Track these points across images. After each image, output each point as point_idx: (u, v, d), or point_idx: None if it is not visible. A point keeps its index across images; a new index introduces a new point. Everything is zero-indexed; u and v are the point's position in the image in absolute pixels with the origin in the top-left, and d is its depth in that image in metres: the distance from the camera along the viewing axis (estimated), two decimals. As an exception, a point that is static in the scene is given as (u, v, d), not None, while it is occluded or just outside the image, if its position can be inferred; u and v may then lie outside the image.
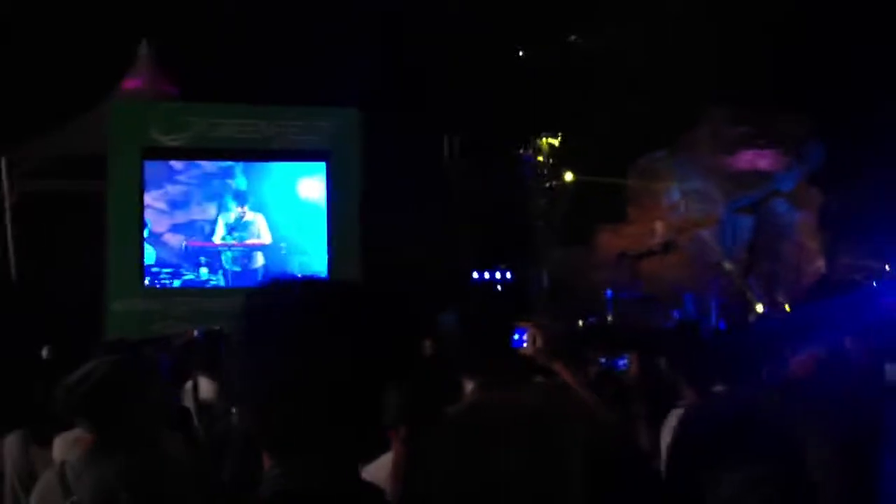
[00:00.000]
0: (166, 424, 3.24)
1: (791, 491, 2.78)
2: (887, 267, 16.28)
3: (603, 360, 5.26)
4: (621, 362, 5.02)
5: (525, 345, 3.03)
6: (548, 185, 17.65)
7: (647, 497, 3.38)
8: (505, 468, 2.37)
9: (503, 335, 2.61)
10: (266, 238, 14.46)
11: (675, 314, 16.27)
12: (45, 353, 6.39)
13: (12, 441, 4.01)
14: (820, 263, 18.97)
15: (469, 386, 2.54)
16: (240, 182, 14.42)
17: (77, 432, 3.38)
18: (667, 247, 19.46)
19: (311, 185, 14.63)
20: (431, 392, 3.01)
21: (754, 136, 18.40)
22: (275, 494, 1.23)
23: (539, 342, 3.03)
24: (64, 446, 3.59)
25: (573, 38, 20.41)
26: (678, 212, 19.37)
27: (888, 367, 3.85)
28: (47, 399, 3.27)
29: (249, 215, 14.39)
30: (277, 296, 1.33)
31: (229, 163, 14.37)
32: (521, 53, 20.37)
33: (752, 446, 2.82)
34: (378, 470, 2.48)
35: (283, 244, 14.50)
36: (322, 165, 14.55)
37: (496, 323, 2.59)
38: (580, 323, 13.47)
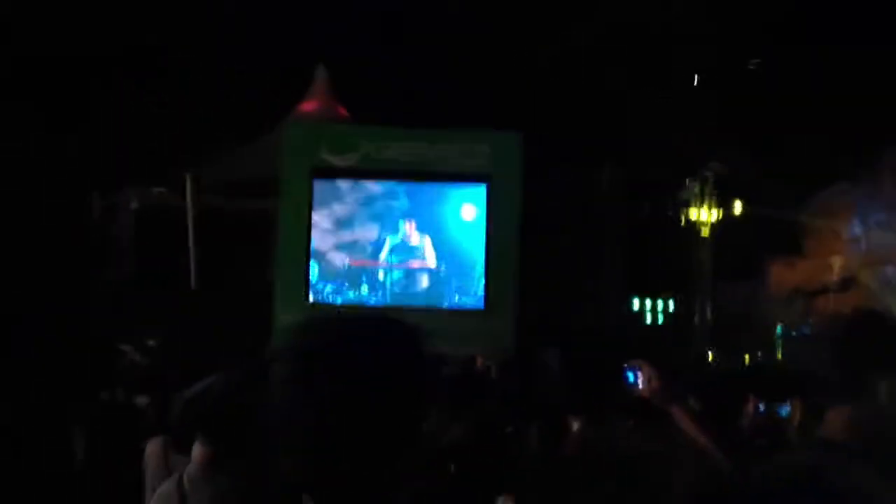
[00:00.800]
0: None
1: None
2: None
3: (762, 405, 4.91)
4: (783, 409, 4.68)
5: (641, 386, 2.92)
6: (716, 215, 17.05)
7: None
8: None
9: (607, 375, 2.55)
10: (431, 261, 14.67)
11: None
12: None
13: (152, 447, 4.17)
14: None
15: (575, 425, 2.51)
16: (402, 203, 14.75)
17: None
18: (845, 283, 18.38)
19: (471, 208, 14.77)
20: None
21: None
22: None
23: (654, 383, 2.91)
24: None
25: (753, 63, 19.73)
26: (859, 246, 18.28)
27: None
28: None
29: (416, 237, 14.67)
30: (318, 335, 1.33)
31: (393, 183, 14.73)
32: (695, 78, 19.87)
33: None
34: None
35: (443, 267, 14.69)
36: (482, 189, 14.66)
37: (601, 363, 2.54)
38: (741, 361, 12.93)
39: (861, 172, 18.04)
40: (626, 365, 2.94)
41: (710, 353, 15.34)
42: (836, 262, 18.45)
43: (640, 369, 3.01)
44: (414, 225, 14.72)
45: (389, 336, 1.32)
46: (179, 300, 14.29)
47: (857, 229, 18.23)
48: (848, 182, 18.33)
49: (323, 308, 14.12)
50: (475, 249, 14.67)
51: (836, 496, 1.32)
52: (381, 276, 14.55)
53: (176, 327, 11.23)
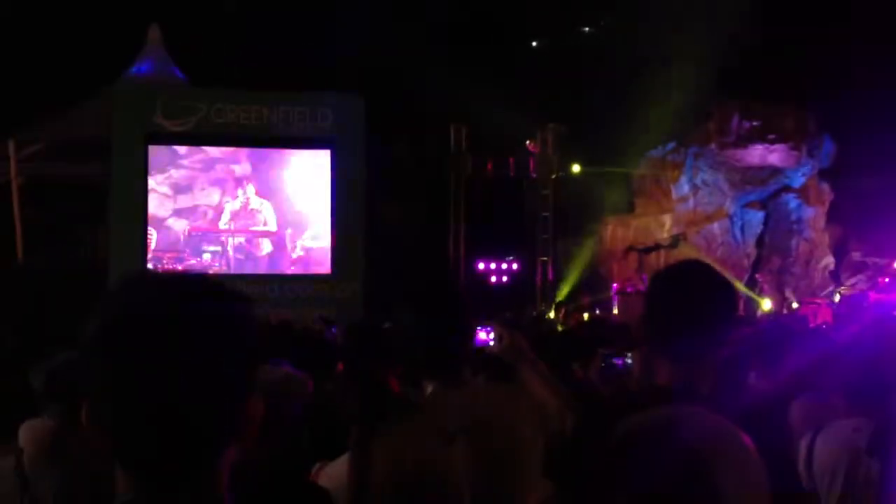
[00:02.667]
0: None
1: None
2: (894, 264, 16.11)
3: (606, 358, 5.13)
4: (619, 361, 4.91)
5: (492, 344, 2.97)
6: (554, 176, 17.53)
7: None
8: (447, 469, 2.32)
9: (460, 335, 2.52)
10: (272, 225, 14.45)
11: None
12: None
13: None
14: (829, 260, 18.83)
15: (428, 388, 2.47)
16: (244, 168, 14.42)
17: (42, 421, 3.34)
18: (675, 240, 19.32)
19: (315, 171, 14.60)
20: (383, 393, 2.96)
21: (765, 130, 18.23)
22: None
23: (506, 341, 2.95)
24: (28, 433, 3.56)
25: (586, 28, 20.29)
26: (687, 205, 19.24)
27: None
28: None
29: (256, 202, 14.38)
30: (130, 300, 1.21)
31: (233, 148, 14.35)
32: (533, 43, 20.28)
33: None
34: (334, 469, 2.45)
35: (288, 231, 14.49)
36: (327, 152, 14.51)
37: (453, 323, 2.50)
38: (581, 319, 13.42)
39: (689, 133, 18.97)
40: (477, 325, 2.98)
41: (552, 311, 15.87)
42: (667, 220, 19.36)
43: (491, 328, 3.07)
44: (255, 189, 14.42)
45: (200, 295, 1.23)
46: (4, 273, 13.47)
47: (686, 188, 19.17)
48: (676, 142, 19.23)
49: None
50: (321, 214, 14.54)
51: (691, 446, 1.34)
52: (222, 242, 14.20)
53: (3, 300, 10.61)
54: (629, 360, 4.42)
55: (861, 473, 2.57)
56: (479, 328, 4.72)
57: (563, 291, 17.90)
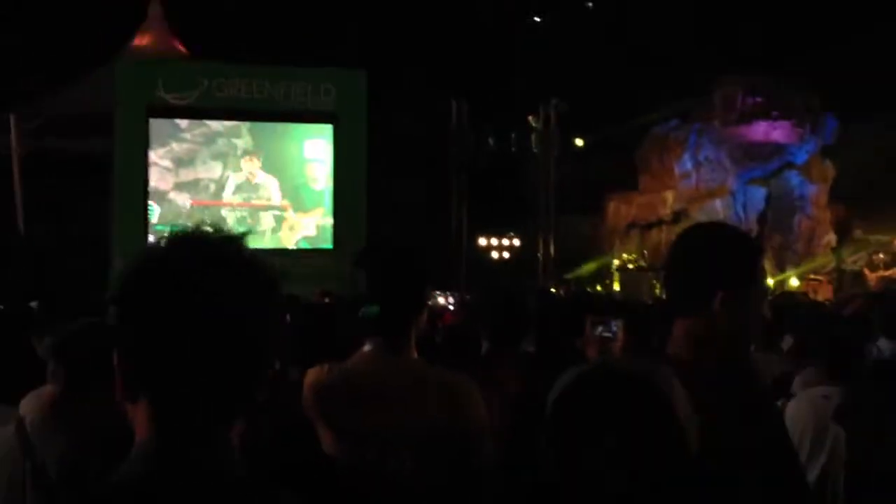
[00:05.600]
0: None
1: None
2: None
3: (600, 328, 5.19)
4: (600, 329, 4.95)
5: (451, 308, 2.96)
6: (556, 152, 17.50)
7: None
8: (365, 433, 2.25)
9: (408, 299, 2.38)
10: (275, 200, 14.45)
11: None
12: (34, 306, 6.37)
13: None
14: (831, 237, 18.82)
15: (367, 346, 2.35)
16: (246, 141, 14.39)
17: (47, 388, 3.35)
18: (677, 217, 19.33)
19: (318, 146, 14.57)
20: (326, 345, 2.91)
21: (768, 107, 18.17)
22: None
23: (461, 310, 2.93)
24: (33, 401, 3.57)
25: (589, 4, 20.16)
26: (690, 181, 19.22)
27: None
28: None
29: (260, 176, 14.36)
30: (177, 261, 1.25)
31: (235, 122, 14.32)
32: (535, 18, 20.15)
33: None
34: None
35: (290, 205, 14.49)
36: (328, 128, 14.47)
37: (401, 285, 2.41)
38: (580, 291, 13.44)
39: (691, 110, 18.92)
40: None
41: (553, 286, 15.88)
42: (669, 196, 19.36)
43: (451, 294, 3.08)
44: (258, 164, 14.40)
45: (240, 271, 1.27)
46: (7, 244, 13.48)
47: (688, 165, 19.15)
48: (679, 119, 19.19)
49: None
50: (323, 188, 14.53)
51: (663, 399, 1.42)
52: (224, 216, 14.19)
53: (4, 272, 10.62)
54: (615, 328, 4.47)
55: (827, 439, 2.60)
56: (437, 293, 4.78)
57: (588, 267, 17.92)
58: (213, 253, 1.26)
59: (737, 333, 1.82)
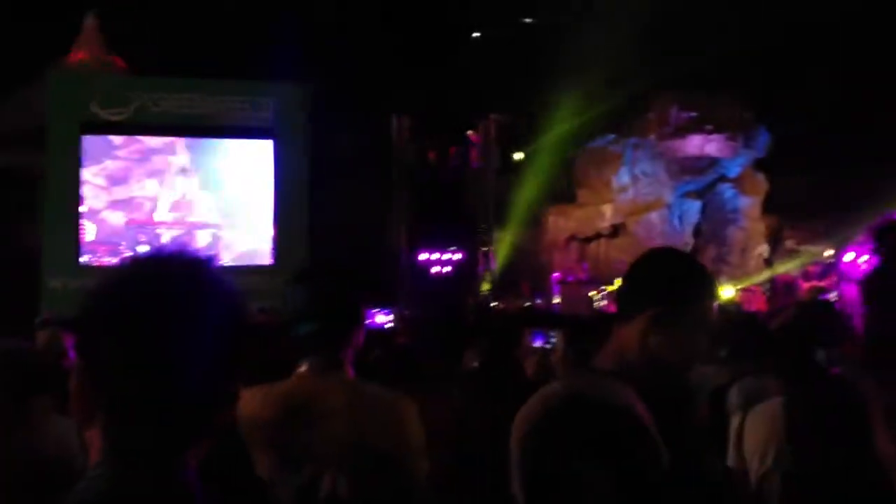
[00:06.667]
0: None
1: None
2: (826, 252, 16.53)
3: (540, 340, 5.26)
4: (537, 341, 5.02)
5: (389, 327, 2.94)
6: (496, 166, 17.61)
7: None
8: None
9: (344, 317, 2.35)
10: (211, 217, 14.26)
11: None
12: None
13: None
14: (764, 248, 19.24)
15: (302, 366, 2.31)
16: (182, 159, 14.19)
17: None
18: (615, 230, 19.59)
19: (256, 162, 14.43)
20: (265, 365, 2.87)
21: (702, 121, 18.54)
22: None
23: (402, 326, 2.92)
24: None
25: (527, 20, 20.36)
26: (627, 195, 19.48)
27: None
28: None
29: (194, 193, 14.17)
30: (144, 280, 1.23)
31: (172, 138, 14.12)
32: (474, 35, 20.28)
33: None
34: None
35: (228, 223, 14.31)
36: (268, 143, 14.36)
37: (337, 303, 2.38)
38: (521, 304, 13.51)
39: (629, 124, 19.21)
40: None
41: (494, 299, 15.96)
42: (607, 210, 19.60)
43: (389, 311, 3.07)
44: (195, 181, 14.20)
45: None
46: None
47: (626, 178, 19.42)
48: (616, 133, 19.45)
49: (97, 271, 13.41)
50: (263, 204, 14.39)
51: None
52: (160, 234, 13.96)
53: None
54: (553, 339, 4.53)
55: (789, 451, 2.63)
56: (375, 311, 4.79)
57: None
58: (178, 276, 1.23)
59: (664, 350, 1.85)
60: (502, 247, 18.16)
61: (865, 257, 13.26)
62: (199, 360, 1.18)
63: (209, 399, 1.21)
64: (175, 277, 1.22)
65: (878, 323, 2.15)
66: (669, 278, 1.91)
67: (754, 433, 2.69)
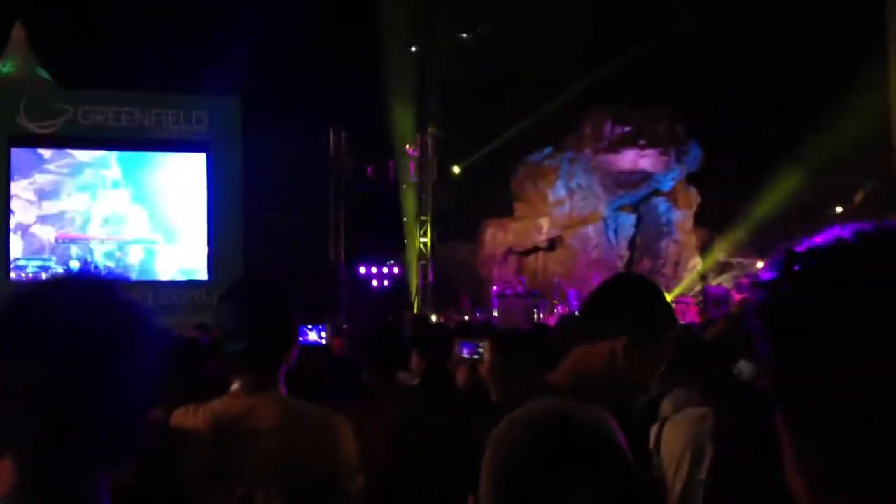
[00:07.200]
0: None
1: None
2: (759, 263, 16.93)
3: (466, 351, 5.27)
4: (465, 350, 5.04)
5: (324, 342, 2.93)
6: (434, 180, 17.67)
7: None
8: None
9: (276, 334, 2.28)
10: (145, 231, 14.01)
11: (559, 310, 16.54)
12: None
13: None
14: (696, 260, 19.62)
15: (234, 384, 2.26)
16: (115, 172, 13.93)
17: None
18: (552, 243, 19.78)
19: (190, 175, 14.24)
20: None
21: (635, 136, 18.86)
22: None
23: (339, 342, 2.91)
24: None
25: (464, 35, 20.51)
26: (564, 208, 19.69)
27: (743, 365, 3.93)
28: None
29: (128, 208, 13.91)
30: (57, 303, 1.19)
31: (103, 152, 13.85)
32: (412, 49, 20.35)
33: None
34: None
35: (161, 237, 14.08)
36: (202, 156, 14.18)
37: (268, 320, 2.34)
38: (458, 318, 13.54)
39: (565, 138, 19.44)
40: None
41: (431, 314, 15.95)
42: (544, 223, 19.79)
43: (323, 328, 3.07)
44: (127, 195, 13.95)
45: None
46: None
47: (562, 192, 19.63)
48: (552, 147, 19.67)
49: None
50: (197, 218, 14.20)
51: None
52: (92, 249, 13.67)
53: None
54: (481, 349, 4.56)
55: (705, 460, 2.69)
56: (308, 328, 4.77)
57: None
58: (84, 297, 1.18)
59: (631, 372, 1.89)
60: (441, 260, 18.19)
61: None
62: (105, 383, 1.15)
63: (120, 421, 1.17)
64: (74, 301, 1.17)
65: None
66: (644, 305, 1.97)
67: (671, 443, 2.74)
